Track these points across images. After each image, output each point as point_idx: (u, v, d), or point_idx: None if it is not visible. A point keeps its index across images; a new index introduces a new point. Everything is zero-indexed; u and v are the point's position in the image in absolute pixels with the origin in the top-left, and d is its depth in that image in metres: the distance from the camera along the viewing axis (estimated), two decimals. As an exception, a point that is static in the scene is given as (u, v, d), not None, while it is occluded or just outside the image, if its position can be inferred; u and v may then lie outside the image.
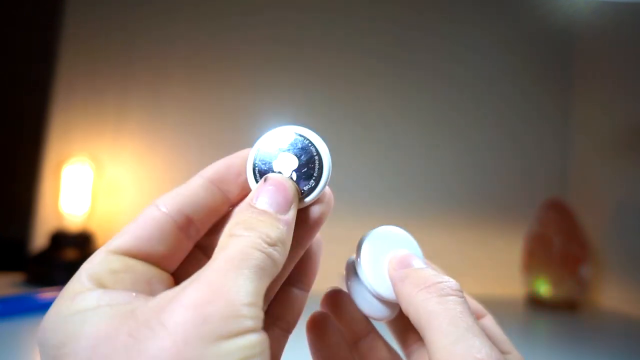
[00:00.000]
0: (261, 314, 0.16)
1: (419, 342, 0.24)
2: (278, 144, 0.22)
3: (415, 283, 0.21)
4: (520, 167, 0.96)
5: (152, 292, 0.19)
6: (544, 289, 0.81)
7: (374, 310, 0.24)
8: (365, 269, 0.23)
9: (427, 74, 0.95)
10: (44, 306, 0.55)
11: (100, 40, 0.86)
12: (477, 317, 0.24)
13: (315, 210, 0.22)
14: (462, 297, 0.20)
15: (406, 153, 0.94)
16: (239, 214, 0.19)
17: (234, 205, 0.22)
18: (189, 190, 0.21)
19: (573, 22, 0.97)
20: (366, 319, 0.25)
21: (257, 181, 0.21)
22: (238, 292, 0.16)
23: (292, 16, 0.91)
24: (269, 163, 0.21)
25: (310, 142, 0.22)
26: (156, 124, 0.87)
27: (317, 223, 0.22)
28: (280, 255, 0.18)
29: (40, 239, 0.81)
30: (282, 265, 0.18)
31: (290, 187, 0.20)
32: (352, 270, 0.25)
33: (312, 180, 0.21)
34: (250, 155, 0.22)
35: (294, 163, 0.21)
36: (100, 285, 0.18)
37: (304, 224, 0.22)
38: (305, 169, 0.21)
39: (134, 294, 0.18)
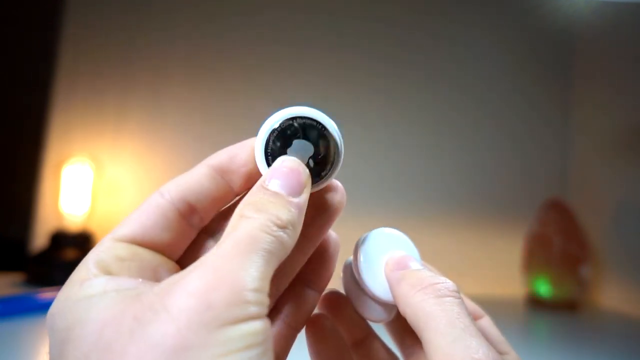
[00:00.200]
0: (266, 300, 0.16)
1: (417, 344, 0.24)
2: (293, 128, 0.21)
3: (412, 284, 0.21)
4: (520, 167, 0.96)
5: (158, 279, 0.19)
6: (544, 289, 0.81)
7: (372, 312, 0.24)
8: (362, 271, 0.23)
9: (427, 74, 0.95)
10: (44, 306, 0.55)
11: (100, 40, 0.86)
12: (475, 318, 0.24)
13: (334, 198, 0.22)
14: (459, 297, 0.20)
15: (406, 153, 0.94)
16: (250, 195, 0.19)
17: (238, 194, 0.22)
18: (193, 178, 0.21)
19: (573, 22, 0.97)
20: (364, 321, 0.25)
21: (269, 165, 0.21)
22: (244, 278, 0.16)
23: (292, 16, 0.91)
24: (284, 148, 0.21)
25: (324, 126, 0.21)
26: (156, 124, 0.87)
27: (335, 211, 0.22)
28: (290, 238, 0.18)
29: (40, 239, 0.81)
30: (291, 249, 0.18)
31: (304, 171, 0.20)
32: (349, 272, 0.25)
33: (327, 165, 0.21)
34: (261, 139, 0.21)
35: (309, 148, 0.21)
36: (107, 272, 0.18)
37: (321, 213, 0.22)
38: (319, 154, 0.21)
39: (140, 279, 0.18)
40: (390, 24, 0.94)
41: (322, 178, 0.21)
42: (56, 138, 0.83)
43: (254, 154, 0.21)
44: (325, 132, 0.21)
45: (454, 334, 0.18)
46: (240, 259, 0.16)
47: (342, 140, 0.22)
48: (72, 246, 0.73)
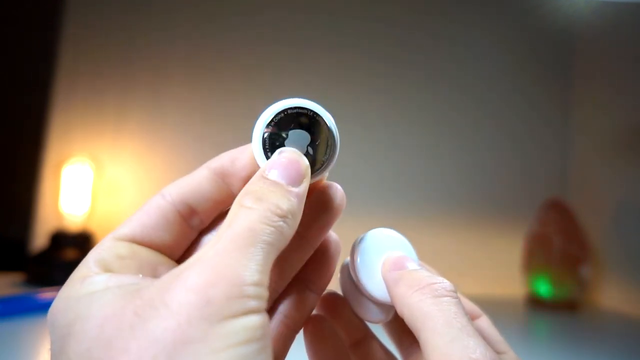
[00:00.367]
0: (266, 293, 0.16)
1: (415, 344, 0.24)
2: (287, 119, 0.21)
3: (409, 284, 0.21)
4: (520, 167, 0.96)
5: (158, 277, 0.19)
6: (544, 289, 0.81)
7: (370, 313, 0.24)
8: (359, 272, 0.23)
9: (427, 74, 0.95)
10: (44, 306, 0.55)
11: (100, 40, 0.86)
12: (473, 317, 0.24)
13: (333, 200, 0.22)
14: (457, 297, 0.20)
15: (406, 153, 0.94)
16: (250, 184, 0.19)
17: None
18: (194, 181, 0.21)
19: (573, 22, 0.97)
20: (362, 322, 0.25)
21: (267, 157, 0.21)
22: (243, 272, 0.16)
23: (292, 16, 0.91)
24: (281, 140, 0.21)
25: (320, 116, 0.21)
26: (156, 124, 0.87)
27: (335, 213, 0.22)
28: (290, 227, 0.18)
29: (40, 239, 0.81)
30: (290, 238, 0.18)
31: (303, 161, 0.20)
32: (346, 273, 0.25)
33: (325, 154, 0.21)
34: (257, 134, 0.21)
35: (306, 137, 0.21)
36: (108, 270, 0.18)
37: (320, 215, 0.22)
38: (317, 142, 0.21)
39: (140, 275, 0.18)
40: (390, 24, 0.94)
41: (321, 167, 0.22)
42: (56, 138, 0.83)
43: (253, 155, 0.21)
44: (320, 120, 0.21)
45: (451, 333, 0.18)
46: (239, 253, 0.16)
47: (336, 128, 0.22)
48: (72, 246, 0.73)
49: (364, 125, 0.92)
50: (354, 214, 0.85)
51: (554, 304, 0.80)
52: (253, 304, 0.15)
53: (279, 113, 0.21)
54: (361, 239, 0.24)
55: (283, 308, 0.23)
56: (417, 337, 0.19)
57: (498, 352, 0.23)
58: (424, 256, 0.24)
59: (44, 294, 0.57)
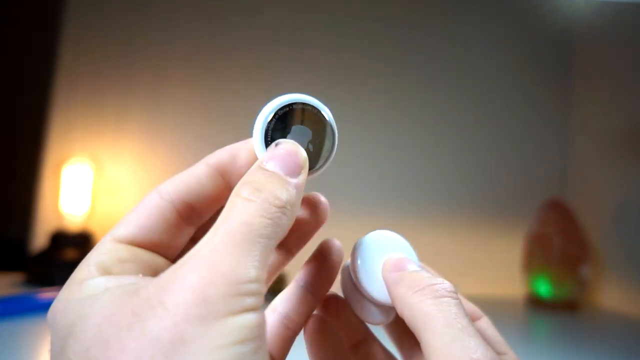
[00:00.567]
0: (263, 289, 0.16)
1: (417, 345, 0.24)
2: (290, 114, 0.21)
3: (409, 285, 0.21)
4: (520, 167, 0.96)
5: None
6: (544, 289, 0.81)
7: (370, 314, 0.24)
8: (360, 273, 0.23)
9: (427, 74, 0.95)
10: (44, 306, 0.55)
11: (100, 40, 0.86)
12: (473, 318, 0.24)
13: (315, 212, 0.22)
14: (457, 298, 0.20)
15: (406, 153, 0.94)
16: (248, 175, 0.19)
17: None
18: (192, 177, 0.21)
19: (573, 22, 0.97)
20: (363, 323, 0.25)
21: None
22: (240, 269, 0.16)
23: (292, 16, 0.91)
24: (283, 134, 0.21)
25: (322, 113, 0.22)
26: (156, 124, 0.87)
27: (322, 217, 0.23)
28: (288, 219, 0.18)
29: (40, 239, 0.81)
30: (288, 229, 0.18)
31: (301, 153, 0.20)
32: (347, 275, 0.25)
33: (324, 151, 0.22)
34: (259, 127, 0.21)
35: (308, 133, 0.21)
36: (107, 273, 0.18)
37: (304, 220, 0.22)
38: (317, 139, 0.22)
39: (140, 275, 0.18)
40: (390, 24, 0.94)
41: (320, 164, 0.22)
42: (56, 138, 0.83)
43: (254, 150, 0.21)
44: (322, 117, 0.22)
45: (451, 334, 0.18)
46: (236, 250, 0.16)
47: (336, 126, 0.22)
48: (72, 246, 0.73)
49: (364, 125, 0.92)
50: (354, 214, 0.85)
51: (554, 304, 0.80)
52: (250, 301, 0.15)
53: (282, 107, 0.21)
54: (361, 241, 0.24)
55: (283, 309, 0.23)
56: (417, 337, 0.19)
57: (498, 353, 0.23)
58: (424, 256, 0.24)
59: (44, 294, 0.57)
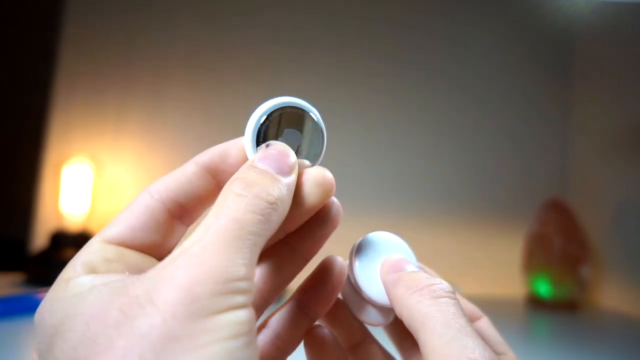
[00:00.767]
0: (252, 287, 0.16)
1: (416, 346, 0.24)
2: (282, 117, 0.21)
3: (407, 286, 0.21)
4: (520, 167, 0.96)
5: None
6: (544, 289, 0.81)
7: (369, 316, 0.24)
8: (358, 275, 0.23)
9: (427, 74, 0.95)
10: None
11: (100, 40, 0.86)
12: (473, 319, 0.24)
13: (332, 207, 0.22)
14: (455, 298, 0.20)
15: (406, 153, 0.94)
16: (240, 172, 0.19)
17: None
18: (183, 177, 0.21)
19: (573, 22, 0.97)
20: (362, 324, 0.25)
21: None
22: (229, 268, 0.16)
23: (292, 16, 0.91)
24: (275, 136, 0.21)
25: (313, 117, 0.22)
26: (156, 124, 0.87)
27: (334, 221, 0.22)
28: (279, 216, 0.18)
29: (40, 239, 0.81)
30: (277, 227, 0.18)
31: (292, 154, 0.20)
32: (346, 276, 0.24)
33: (313, 154, 0.22)
34: (250, 130, 0.21)
35: (298, 137, 0.22)
36: (93, 272, 0.18)
37: (315, 228, 0.22)
38: (308, 143, 0.22)
39: (126, 273, 0.18)
40: (390, 24, 0.94)
41: (308, 165, 0.22)
42: (56, 138, 0.83)
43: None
44: (312, 121, 0.22)
45: (450, 334, 0.18)
46: (225, 247, 0.16)
47: (325, 130, 0.23)
48: (72, 246, 0.73)
49: (364, 125, 0.92)
50: (353, 214, 0.85)
51: (554, 304, 0.80)
52: (239, 299, 0.15)
53: (275, 110, 0.21)
54: (360, 242, 0.24)
55: (276, 329, 0.22)
56: (416, 338, 0.19)
57: (498, 353, 0.23)
58: (423, 256, 0.24)
59: (44, 294, 0.57)
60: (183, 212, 0.21)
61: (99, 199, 0.81)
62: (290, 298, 0.23)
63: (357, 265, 0.23)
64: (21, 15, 1.13)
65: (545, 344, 0.64)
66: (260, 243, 0.17)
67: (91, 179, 0.78)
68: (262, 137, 0.21)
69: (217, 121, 0.88)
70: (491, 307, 0.26)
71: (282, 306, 0.23)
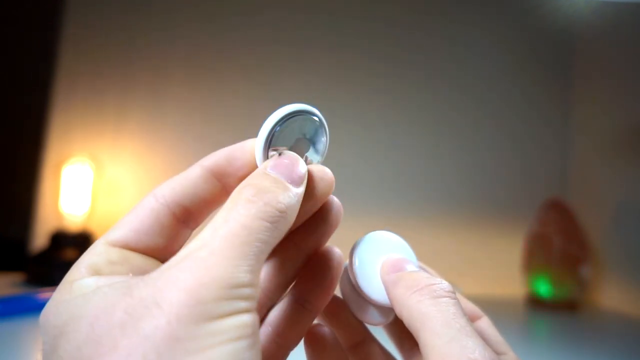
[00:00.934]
0: (257, 293, 0.16)
1: (417, 346, 0.24)
2: (295, 124, 0.21)
3: (407, 286, 0.21)
4: (520, 167, 0.96)
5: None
6: (544, 289, 0.81)
7: (369, 315, 0.24)
8: (358, 274, 0.23)
9: (427, 74, 0.95)
10: (44, 306, 0.55)
11: (100, 40, 0.86)
12: (473, 318, 0.24)
13: (333, 206, 0.22)
14: (455, 298, 0.20)
15: (406, 153, 0.94)
16: (251, 177, 0.19)
17: None
18: (188, 181, 0.21)
19: (573, 22, 0.97)
20: (362, 324, 0.25)
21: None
22: (235, 274, 0.16)
23: (292, 16, 0.91)
24: (286, 144, 0.21)
25: (322, 123, 0.22)
26: (156, 124, 0.87)
27: (335, 220, 0.23)
28: (287, 224, 0.18)
29: (40, 239, 0.81)
30: (284, 234, 0.18)
31: (303, 165, 0.20)
32: (346, 276, 0.24)
33: (317, 152, 0.22)
34: (262, 138, 0.21)
35: (308, 145, 0.22)
36: (97, 274, 0.18)
37: (320, 222, 0.22)
38: (314, 148, 0.22)
39: (130, 274, 0.18)
40: (390, 24, 0.94)
41: (311, 162, 0.22)
42: (56, 138, 0.83)
43: (253, 154, 0.21)
44: (322, 128, 0.22)
45: (450, 334, 0.18)
46: (233, 254, 0.16)
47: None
48: (72, 246, 0.73)
49: (364, 125, 0.92)
50: (353, 214, 0.85)
51: (554, 304, 0.80)
52: (243, 305, 0.16)
53: (289, 116, 0.21)
54: (360, 242, 0.24)
55: (276, 326, 0.22)
56: (416, 337, 0.19)
57: (498, 353, 0.23)
58: (423, 256, 0.24)
59: (44, 294, 0.57)
60: (188, 216, 0.21)
61: (99, 199, 0.81)
62: (288, 293, 0.23)
63: (357, 265, 0.23)
64: (21, 15, 1.13)
65: (545, 344, 0.64)
66: (267, 250, 0.17)
67: (91, 179, 0.78)
68: (273, 144, 0.21)
69: (217, 121, 0.88)
70: (491, 307, 0.26)
71: (280, 301, 0.23)
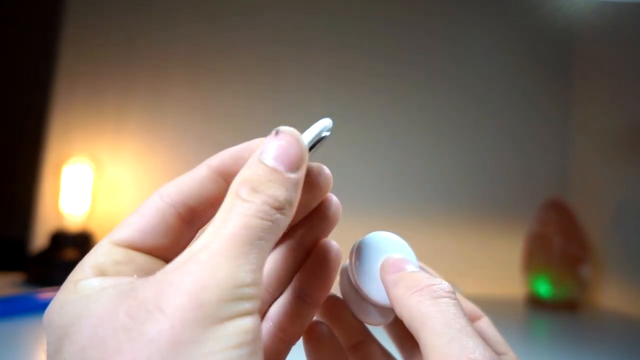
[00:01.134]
0: (259, 292, 0.16)
1: (417, 346, 0.24)
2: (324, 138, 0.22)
3: (407, 286, 0.21)
4: (520, 167, 0.96)
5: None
6: (544, 289, 0.81)
7: (369, 315, 0.24)
8: (358, 275, 0.23)
9: (427, 74, 0.95)
10: (44, 306, 0.55)
11: (100, 40, 0.86)
12: (473, 318, 0.24)
13: (331, 203, 0.22)
14: (455, 298, 0.20)
15: (406, 153, 0.94)
16: (245, 169, 0.18)
17: None
18: (194, 180, 0.20)
19: (573, 22, 0.97)
20: (362, 324, 0.25)
21: None
22: (237, 274, 0.16)
23: (292, 16, 0.91)
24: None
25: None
26: (156, 124, 0.87)
27: (334, 217, 0.23)
28: (287, 217, 0.18)
29: (40, 239, 0.81)
30: (286, 228, 0.18)
31: (302, 143, 0.19)
32: (346, 276, 0.24)
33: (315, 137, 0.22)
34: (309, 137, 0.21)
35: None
36: (102, 274, 0.18)
37: (319, 218, 0.22)
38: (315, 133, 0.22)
39: (134, 276, 0.18)
40: (390, 24, 0.94)
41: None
42: (56, 138, 0.83)
43: None
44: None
45: (450, 334, 0.18)
46: (233, 253, 0.16)
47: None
48: (72, 246, 0.73)
49: (364, 125, 0.92)
50: (353, 214, 0.85)
51: (554, 304, 0.80)
52: (246, 305, 0.16)
53: (324, 132, 0.22)
54: (360, 242, 0.24)
55: (278, 321, 0.22)
56: (416, 338, 0.19)
57: (498, 353, 0.23)
58: (423, 256, 0.24)
59: (44, 294, 0.57)
60: (193, 216, 0.20)
61: (99, 199, 0.81)
62: (288, 287, 0.23)
63: (357, 265, 0.23)
64: (21, 15, 1.13)
65: (545, 344, 0.64)
66: (269, 247, 0.17)
67: (91, 179, 0.78)
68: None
69: (217, 121, 0.88)
70: (491, 307, 0.26)
71: (280, 296, 0.23)
